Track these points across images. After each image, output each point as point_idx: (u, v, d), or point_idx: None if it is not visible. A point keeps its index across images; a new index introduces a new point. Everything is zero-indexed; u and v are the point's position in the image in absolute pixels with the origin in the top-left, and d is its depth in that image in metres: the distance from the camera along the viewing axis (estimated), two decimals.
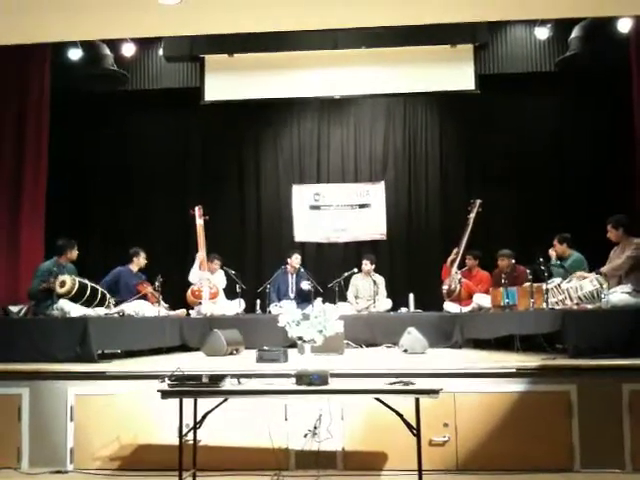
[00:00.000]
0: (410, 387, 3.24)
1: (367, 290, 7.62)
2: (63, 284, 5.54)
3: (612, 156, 8.04)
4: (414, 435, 3.20)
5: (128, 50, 8.25)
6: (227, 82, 8.58)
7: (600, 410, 3.93)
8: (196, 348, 6.09)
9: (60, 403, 4.21)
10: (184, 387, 3.31)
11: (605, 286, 5.04)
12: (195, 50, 8.36)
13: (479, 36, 8.16)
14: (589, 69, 7.92)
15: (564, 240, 6.26)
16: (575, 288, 5.24)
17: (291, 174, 9.13)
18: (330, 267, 8.44)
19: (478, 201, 7.37)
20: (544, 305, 5.31)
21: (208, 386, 3.27)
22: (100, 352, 5.00)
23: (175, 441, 3.47)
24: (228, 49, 8.35)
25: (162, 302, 6.60)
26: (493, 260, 7.00)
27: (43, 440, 4.19)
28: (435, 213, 8.87)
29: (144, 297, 6.58)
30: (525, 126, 8.58)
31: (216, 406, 3.49)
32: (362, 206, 8.90)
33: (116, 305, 6.04)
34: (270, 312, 7.11)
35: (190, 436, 3.57)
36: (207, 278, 7.31)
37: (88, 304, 5.66)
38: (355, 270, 7.63)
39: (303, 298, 7.31)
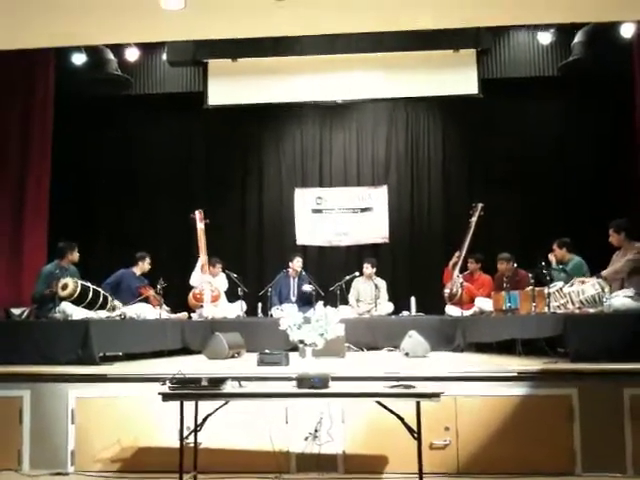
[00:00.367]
0: (411, 390, 3.24)
1: (368, 293, 7.63)
2: (65, 287, 5.55)
3: (614, 160, 8.04)
4: (415, 438, 3.20)
5: (132, 55, 8.30)
6: (230, 87, 8.61)
7: (601, 414, 3.92)
8: (197, 351, 6.09)
9: (61, 405, 4.22)
10: (185, 390, 3.31)
11: (607, 290, 5.03)
12: (198, 55, 8.39)
13: (482, 41, 8.15)
14: (592, 74, 7.92)
15: (564, 244, 6.23)
16: (577, 292, 5.23)
17: (293, 178, 9.16)
18: (332, 270, 8.45)
19: (480, 205, 7.37)
20: (546, 309, 5.31)
21: (209, 389, 3.27)
22: (101, 355, 5.00)
23: (176, 444, 3.47)
24: (231, 54, 8.37)
25: (164, 305, 6.62)
26: (495, 264, 7.01)
27: (44, 442, 4.19)
28: (437, 217, 8.88)
29: (146, 300, 6.59)
30: (527, 130, 8.59)
31: (217, 409, 3.49)
32: (364, 210, 8.91)
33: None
34: (271, 315, 7.13)
35: (191, 439, 3.57)
36: (208, 281, 7.32)
37: (90, 307, 5.67)
38: (357, 273, 7.64)
39: (304, 301, 7.33)
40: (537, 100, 8.58)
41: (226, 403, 3.47)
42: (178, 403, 3.40)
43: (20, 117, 7.58)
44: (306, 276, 7.75)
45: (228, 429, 3.92)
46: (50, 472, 4.09)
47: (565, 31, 7.81)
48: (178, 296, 7.34)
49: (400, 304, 7.53)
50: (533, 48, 8.29)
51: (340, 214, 8.95)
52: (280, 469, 3.92)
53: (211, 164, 9.12)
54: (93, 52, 7.95)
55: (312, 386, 3.22)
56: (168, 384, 3.34)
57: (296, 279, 7.82)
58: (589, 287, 5.16)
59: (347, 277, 7.51)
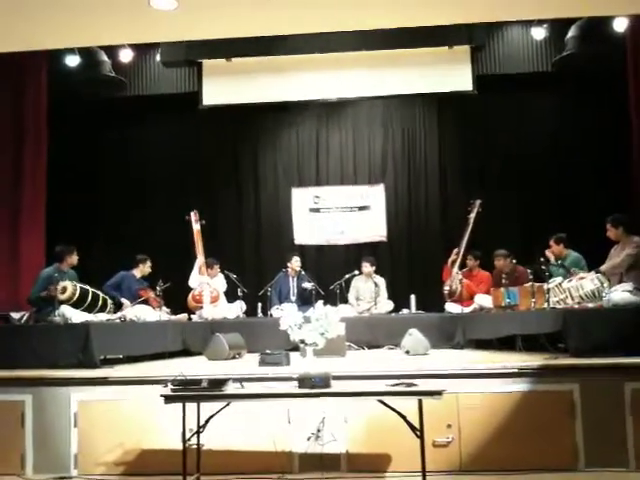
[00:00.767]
0: (413, 388, 3.24)
1: (368, 292, 7.62)
2: (64, 290, 5.54)
3: (610, 155, 8.04)
4: (417, 436, 3.20)
5: (126, 56, 8.28)
6: (225, 86, 8.61)
7: (603, 409, 3.93)
8: (198, 352, 6.08)
9: (63, 409, 4.21)
10: (187, 392, 3.30)
11: (606, 285, 5.05)
12: (192, 55, 8.39)
13: (476, 37, 8.17)
14: (586, 69, 7.92)
15: (560, 240, 6.24)
16: (576, 287, 5.24)
17: (290, 177, 9.15)
18: (331, 269, 8.45)
19: (478, 201, 7.34)
20: (545, 305, 5.32)
21: (211, 390, 3.27)
22: (102, 358, 4.99)
23: (178, 446, 3.47)
24: (225, 53, 8.37)
25: (164, 307, 6.60)
26: (493, 260, 7.00)
27: (47, 446, 4.19)
28: (435, 214, 8.88)
29: (146, 302, 6.58)
30: (523, 126, 8.60)
31: (219, 410, 3.49)
32: (362, 208, 8.91)
33: (118, 308, 6.04)
34: (271, 315, 7.12)
35: (193, 440, 3.56)
36: (207, 282, 7.30)
37: (89, 310, 5.66)
38: (356, 272, 7.63)
39: (304, 301, 7.33)
40: (532, 95, 8.57)
41: (228, 404, 3.47)
42: (180, 405, 3.40)
43: (14, 121, 7.57)
44: (305, 275, 7.75)
45: (230, 430, 3.91)
46: (53, 476, 4.07)
47: (559, 26, 7.81)
48: (177, 298, 7.32)
49: (400, 302, 7.52)
50: (527, 44, 8.30)
51: (338, 213, 8.94)
52: (283, 469, 3.92)
53: (207, 164, 9.10)
54: (87, 54, 7.92)
55: (313, 386, 3.22)
56: (170, 386, 3.34)
57: (295, 278, 7.82)
58: (588, 282, 5.18)
59: (347, 276, 7.51)
